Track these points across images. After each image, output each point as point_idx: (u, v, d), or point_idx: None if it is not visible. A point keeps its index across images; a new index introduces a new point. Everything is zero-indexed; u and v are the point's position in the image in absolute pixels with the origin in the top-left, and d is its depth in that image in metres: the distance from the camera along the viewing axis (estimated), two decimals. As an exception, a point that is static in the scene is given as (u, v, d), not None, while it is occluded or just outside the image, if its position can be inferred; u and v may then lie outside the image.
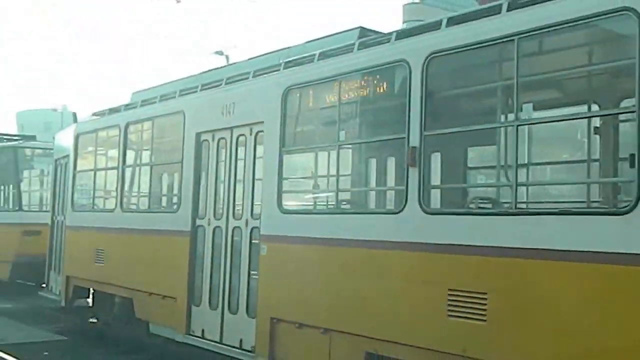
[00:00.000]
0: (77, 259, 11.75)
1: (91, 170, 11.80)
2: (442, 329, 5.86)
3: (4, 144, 18.00)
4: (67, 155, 12.31)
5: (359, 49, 7.15)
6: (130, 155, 10.83)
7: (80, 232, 11.69)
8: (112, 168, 10.97)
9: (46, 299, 13.07)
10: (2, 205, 17.70)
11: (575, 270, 4.97)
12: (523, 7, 5.57)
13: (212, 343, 8.61)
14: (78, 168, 12.00)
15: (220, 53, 38.32)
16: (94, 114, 12.31)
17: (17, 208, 17.30)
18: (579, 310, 4.97)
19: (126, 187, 10.75)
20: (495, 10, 5.82)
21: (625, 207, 4.77)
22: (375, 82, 6.96)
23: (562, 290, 5.07)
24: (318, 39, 8.23)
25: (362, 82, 7.05)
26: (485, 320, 5.55)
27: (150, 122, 10.43)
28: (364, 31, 7.66)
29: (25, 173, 18.72)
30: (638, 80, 4.68)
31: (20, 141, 18.35)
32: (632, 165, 4.74)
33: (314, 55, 7.66)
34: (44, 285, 13.81)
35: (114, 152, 11.04)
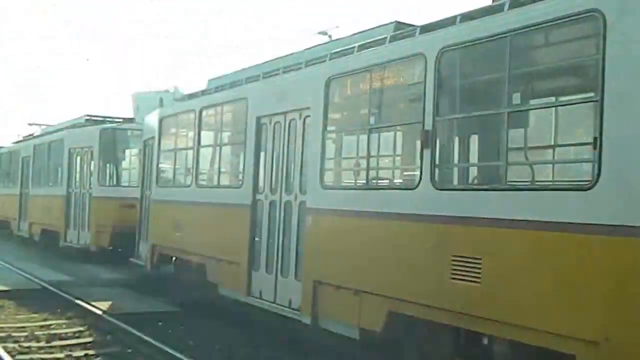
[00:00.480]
0: (161, 229, 13.21)
1: (172, 150, 13.20)
2: (445, 289, 6.70)
3: (105, 125, 19.90)
4: (153, 137, 13.75)
5: (390, 42, 8.01)
6: (204, 136, 12.09)
7: (163, 205, 13.13)
8: (189, 148, 12.28)
9: (136, 264, 14.65)
10: (107, 181, 19.61)
11: (548, 237, 5.73)
12: (520, 5, 6.30)
13: (268, 303, 9.76)
14: (162, 148, 13.43)
15: (324, 33, 39.41)
16: (175, 99, 13.67)
17: (115, 184, 19.23)
18: (552, 271, 5.72)
19: (200, 166, 12.04)
20: (498, 9, 6.56)
21: (587, 184, 5.49)
22: (400, 72, 7.82)
23: (538, 255, 5.83)
24: (359, 32, 9.12)
25: (389, 73, 7.92)
26: (479, 282, 6.37)
27: (220, 107, 11.64)
28: (398, 25, 8.49)
29: (127, 152, 20.65)
30: (601, 72, 5.38)
31: (119, 123, 20.20)
32: (594, 148, 5.44)
33: (354, 47, 8.57)
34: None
35: (191, 134, 12.35)
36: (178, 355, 8.67)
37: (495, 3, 6.82)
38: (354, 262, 8.09)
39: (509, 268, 6.10)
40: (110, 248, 18.52)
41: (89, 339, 9.91)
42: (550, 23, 5.91)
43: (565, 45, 6.35)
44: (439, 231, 6.92)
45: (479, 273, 6.37)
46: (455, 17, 7.13)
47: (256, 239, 10.17)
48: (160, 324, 10.79)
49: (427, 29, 7.46)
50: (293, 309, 9.20)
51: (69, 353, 9.08)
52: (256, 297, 10.06)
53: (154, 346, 9.15)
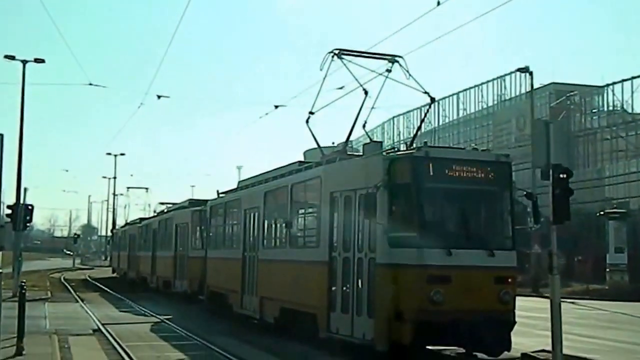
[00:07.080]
0: (210, 275, 22.11)
1: (214, 226, 22.25)
2: (292, 292, 14.84)
3: (195, 208, 29.08)
4: (207, 218, 22.88)
5: (265, 182, 16.54)
6: (220, 220, 20.88)
7: (212, 260, 22.08)
8: (218, 226, 21.20)
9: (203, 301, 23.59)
10: (196, 246, 28.62)
11: (306, 266, 13.90)
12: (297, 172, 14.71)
13: (247, 311, 18.13)
14: (211, 224, 22.54)
15: (524, 70, 38.02)
16: (221, 193, 22.50)
17: (201, 247, 28.25)
18: (307, 279, 13.81)
19: (222, 237, 20.81)
20: (288, 173, 15.05)
21: (316, 245, 13.64)
22: (278, 195, 16.36)
23: (303, 273, 13.97)
24: (281, 167, 17.61)
25: (274, 195, 16.53)
26: (297, 288, 14.51)
27: (225, 204, 20.48)
28: (300, 163, 16.78)
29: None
30: (320, 200, 13.56)
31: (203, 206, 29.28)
32: (317, 232, 13.61)
33: (273, 177, 17.06)
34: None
35: (220, 219, 21.24)
36: None
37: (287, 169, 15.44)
38: (271, 285, 16.41)
39: (301, 280, 14.29)
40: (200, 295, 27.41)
41: None
42: (307, 180, 14.33)
43: (311, 189, 14.69)
44: (292, 267, 15.15)
45: (295, 284, 14.54)
46: (275, 176, 15.73)
47: (244, 277, 18.60)
48: None
49: (266, 180, 16.18)
50: (254, 312, 17.54)
51: None
52: (243, 309, 18.46)
53: None
